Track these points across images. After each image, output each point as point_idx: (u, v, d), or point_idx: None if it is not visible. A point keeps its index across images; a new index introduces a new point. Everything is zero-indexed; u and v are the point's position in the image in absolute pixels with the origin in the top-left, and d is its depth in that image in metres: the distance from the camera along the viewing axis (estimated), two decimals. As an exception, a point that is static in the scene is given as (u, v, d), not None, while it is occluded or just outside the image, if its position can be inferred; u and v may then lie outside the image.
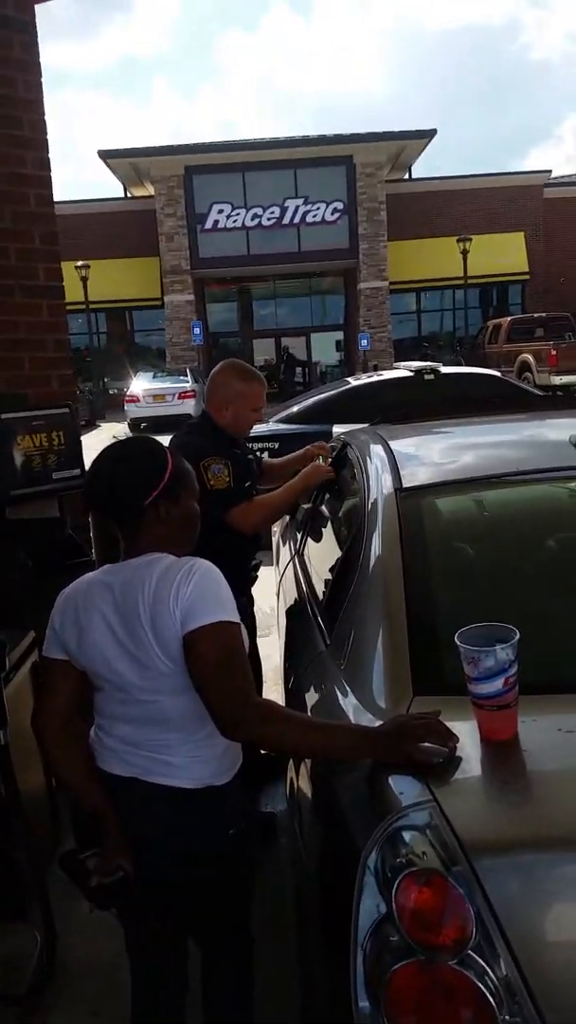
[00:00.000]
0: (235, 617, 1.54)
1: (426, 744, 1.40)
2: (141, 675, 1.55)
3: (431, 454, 2.64)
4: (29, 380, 3.46)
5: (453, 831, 1.21)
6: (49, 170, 3.58)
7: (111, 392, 24.61)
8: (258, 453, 3.28)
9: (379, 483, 2.33)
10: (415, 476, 2.32)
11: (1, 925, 2.42)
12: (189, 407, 18.32)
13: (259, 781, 3.13)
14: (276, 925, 2.09)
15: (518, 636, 1.41)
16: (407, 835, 1.25)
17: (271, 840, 2.82)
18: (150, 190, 26.29)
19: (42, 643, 1.72)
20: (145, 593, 1.53)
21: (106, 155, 25.15)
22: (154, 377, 21.06)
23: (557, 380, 16.94)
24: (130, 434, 16.91)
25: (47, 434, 3.21)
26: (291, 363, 27.31)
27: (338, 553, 2.44)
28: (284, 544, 3.92)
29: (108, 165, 25.84)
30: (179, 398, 19.35)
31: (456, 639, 1.42)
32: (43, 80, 3.56)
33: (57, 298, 3.63)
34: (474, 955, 1.11)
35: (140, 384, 20.31)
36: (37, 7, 3.55)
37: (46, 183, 3.57)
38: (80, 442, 3.39)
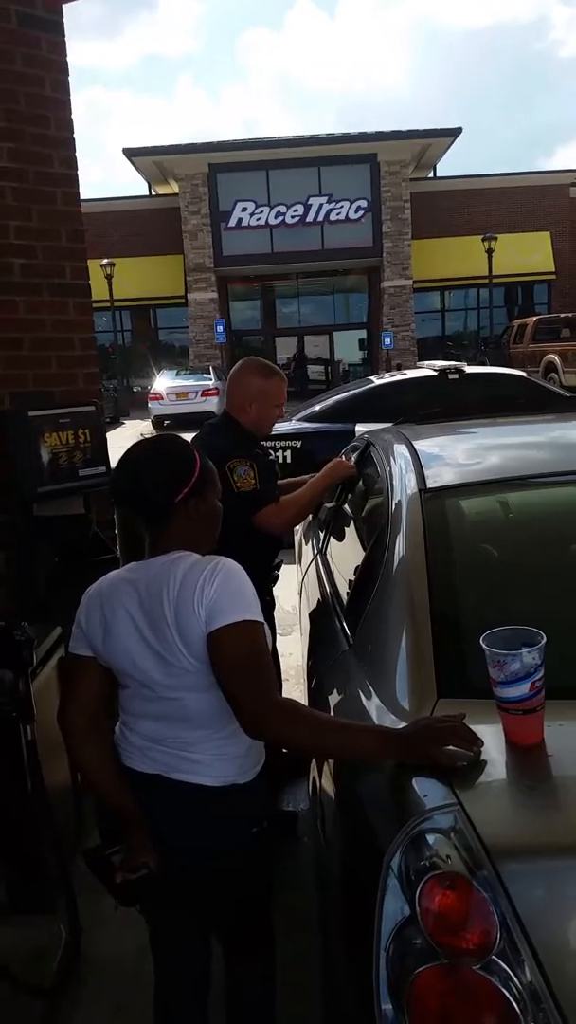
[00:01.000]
0: (259, 617, 1.54)
1: (450, 747, 1.39)
2: (166, 672, 1.56)
3: (456, 454, 2.62)
4: (56, 378, 3.49)
5: (478, 835, 1.21)
6: (76, 169, 3.61)
7: (135, 390, 24.73)
8: (276, 455, 3.29)
9: (403, 483, 2.32)
10: (439, 476, 2.31)
11: (27, 918, 2.44)
12: (212, 405, 18.37)
13: (282, 780, 3.14)
14: (298, 924, 2.09)
15: (544, 640, 1.40)
16: (431, 838, 1.25)
17: (293, 839, 2.83)
18: (174, 188, 26.35)
19: (68, 639, 1.74)
20: (170, 591, 1.54)
21: (131, 153, 25.26)
22: (177, 375, 21.16)
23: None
24: (154, 431, 17.02)
25: (73, 432, 3.24)
26: (302, 361, 27.31)
27: (361, 553, 2.43)
28: (307, 543, 3.92)
29: (133, 163, 25.95)
30: (202, 396, 19.41)
31: (481, 642, 1.42)
32: (70, 79, 3.58)
33: (84, 296, 3.65)
34: (498, 960, 1.10)
35: (163, 382, 20.41)
36: (65, 6, 3.58)
37: (73, 182, 3.59)
38: (106, 440, 3.41)
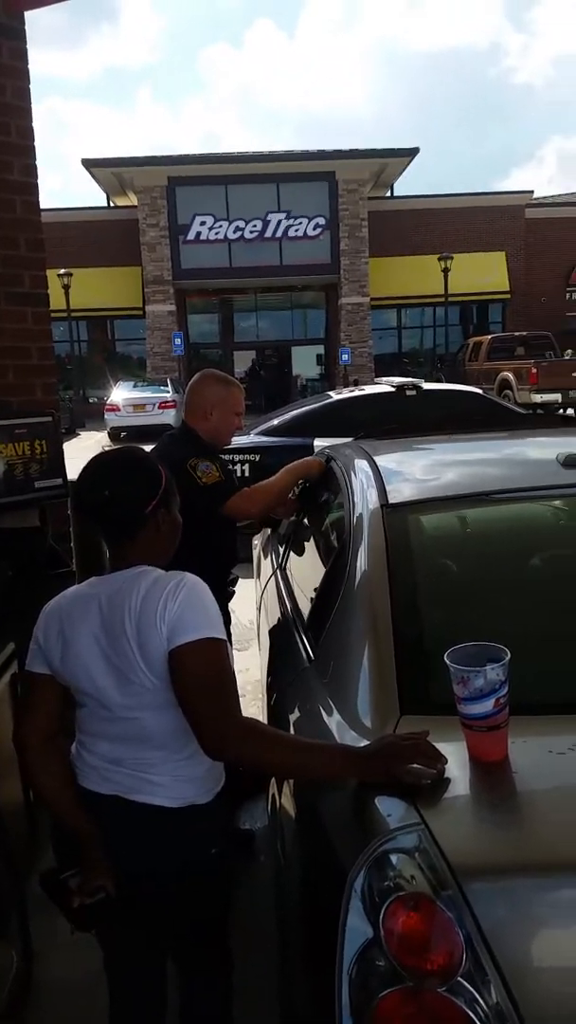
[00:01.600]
0: (222, 635, 1.52)
1: (414, 765, 1.38)
2: (124, 691, 1.53)
3: (416, 470, 2.64)
4: (13, 388, 3.43)
5: (442, 854, 1.19)
6: (36, 177, 3.56)
7: (91, 401, 24.54)
8: (234, 469, 3.29)
9: (364, 498, 2.32)
10: (401, 492, 2.32)
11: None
12: (169, 417, 18.28)
13: (240, 797, 3.10)
14: (256, 946, 2.06)
15: (509, 656, 1.40)
16: (395, 858, 1.23)
17: (251, 858, 2.79)
18: (133, 200, 26.28)
19: (21, 655, 1.69)
20: (132, 606, 1.51)
21: (89, 164, 25.13)
22: (134, 387, 21.05)
23: (537, 398, 17.07)
24: (111, 444, 16.86)
25: (30, 442, 3.17)
26: (254, 375, 27.54)
27: (322, 568, 2.43)
28: (265, 557, 3.90)
29: (92, 174, 25.81)
30: (159, 408, 19.34)
31: (445, 658, 1.41)
32: (31, 87, 3.55)
33: (42, 306, 3.60)
34: (464, 982, 1.09)
35: (120, 393, 20.27)
36: (26, 14, 3.54)
37: (33, 190, 3.54)
38: (62, 451, 3.35)
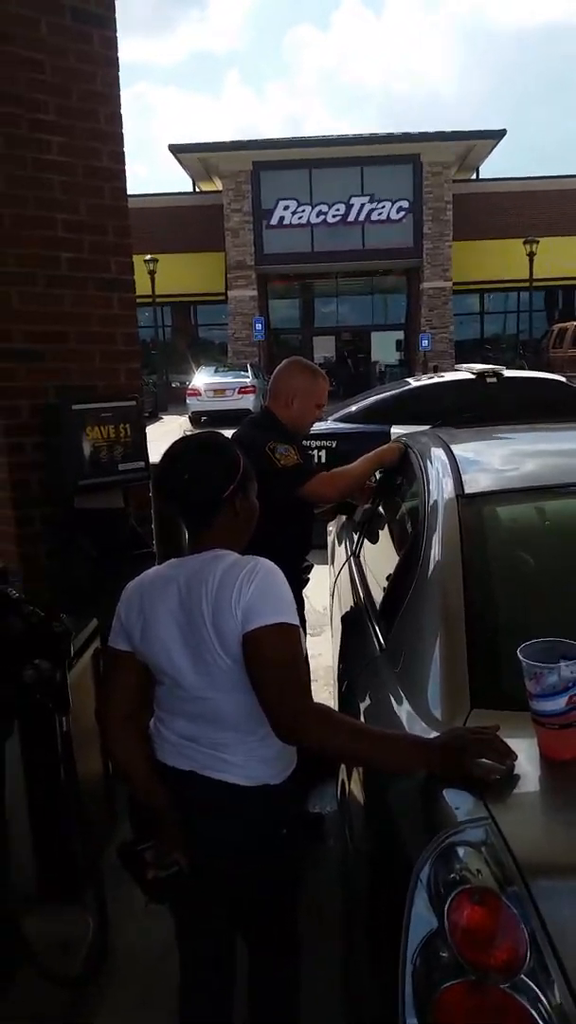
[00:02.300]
0: (295, 620, 1.54)
1: (484, 760, 1.38)
2: (199, 671, 1.56)
3: (494, 460, 2.60)
4: (99, 372, 3.51)
5: (509, 850, 1.19)
6: (123, 164, 3.62)
7: (174, 385, 24.87)
8: (311, 455, 3.30)
9: (440, 487, 2.30)
10: (477, 482, 2.29)
11: (56, 908, 2.46)
12: (248, 402, 18.41)
13: (309, 781, 3.13)
14: (321, 929, 2.09)
15: (584, 654, 1.38)
16: (461, 851, 1.23)
17: (318, 842, 2.82)
18: (218, 185, 26.43)
19: (104, 631, 1.75)
20: (208, 589, 1.54)
21: (176, 149, 25.40)
22: (215, 372, 21.23)
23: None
24: (192, 428, 17.09)
25: (115, 426, 3.26)
26: (341, 361, 27.38)
27: (396, 557, 2.42)
28: (340, 544, 3.90)
29: (178, 159, 26.07)
30: (239, 393, 19.47)
31: (518, 653, 1.40)
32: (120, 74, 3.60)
33: (128, 292, 3.67)
34: (527, 980, 1.08)
35: (202, 378, 20.50)
36: (117, 1, 3.60)
37: (120, 176, 3.60)
38: (145, 435, 3.43)
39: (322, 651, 4.05)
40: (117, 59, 3.61)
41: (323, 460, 7.01)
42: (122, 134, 3.63)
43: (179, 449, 1.67)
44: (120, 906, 2.41)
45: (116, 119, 3.60)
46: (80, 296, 3.44)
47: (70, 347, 3.42)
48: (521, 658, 1.39)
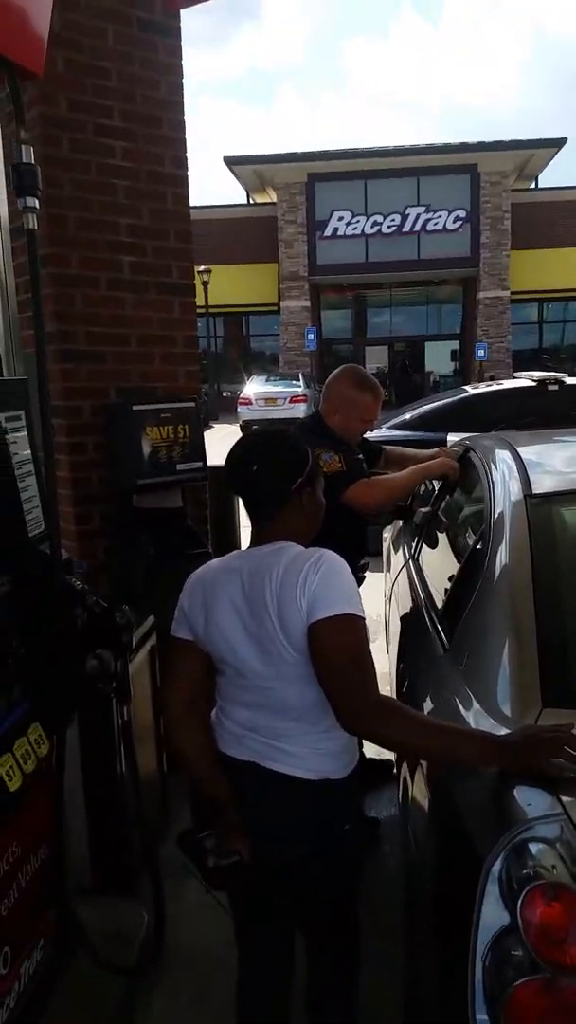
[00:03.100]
0: (360, 611, 1.53)
1: (558, 758, 1.34)
2: (264, 662, 1.56)
3: (561, 461, 2.56)
4: (158, 374, 3.55)
5: (586, 847, 1.15)
6: (186, 169, 3.67)
7: (225, 395, 25.09)
8: (378, 446, 3.26)
9: (506, 488, 2.27)
10: (545, 482, 2.25)
11: (111, 900, 2.47)
12: (299, 412, 18.43)
13: (366, 786, 3.10)
14: (379, 930, 2.06)
15: None
16: (535, 847, 1.20)
17: (375, 845, 2.79)
18: (272, 197, 26.63)
19: (161, 629, 1.76)
20: (273, 580, 1.54)
21: (231, 162, 25.66)
22: (267, 381, 21.34)
23: None
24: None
25: (173, 427, 3.29)
26: (405, 370, 27.22)
27: (460, 557, 2.39)
28: (396, 551, 3.87)
29: (233, 171, 26.34)
30: (290, 402, 19.53)
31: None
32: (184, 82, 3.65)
33: (188, 296, 3.71)
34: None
35: (253, 387, 20.62)
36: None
37: (182, 182, 3.65)
38: (203, 436, 3.45)
39: (377, 657, 4.01)
40: (181, 67, 3.66)
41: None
42: (185, 140, 3.68)
43: (249, 441, 1.68)
44: (175, 903, 2.41)
45: (179, 125, 3.64)
46: (142, 299, 3.49)
47: (131, 349, 3.46)
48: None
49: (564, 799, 1.26)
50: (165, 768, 2.95)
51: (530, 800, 1.29)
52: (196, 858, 1.62)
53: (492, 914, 1.17)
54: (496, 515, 2.15)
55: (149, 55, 3.50)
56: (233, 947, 1.83)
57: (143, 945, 2.28)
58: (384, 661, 3.18)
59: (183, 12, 3.69)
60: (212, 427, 20.76)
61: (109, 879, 2.49)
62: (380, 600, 4.10)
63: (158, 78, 3.55)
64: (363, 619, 1.53)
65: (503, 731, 1.47)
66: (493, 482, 2.38)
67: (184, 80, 3.67)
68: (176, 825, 1.83)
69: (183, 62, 3.66)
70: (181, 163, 3.64)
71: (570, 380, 7.59)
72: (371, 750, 2.81)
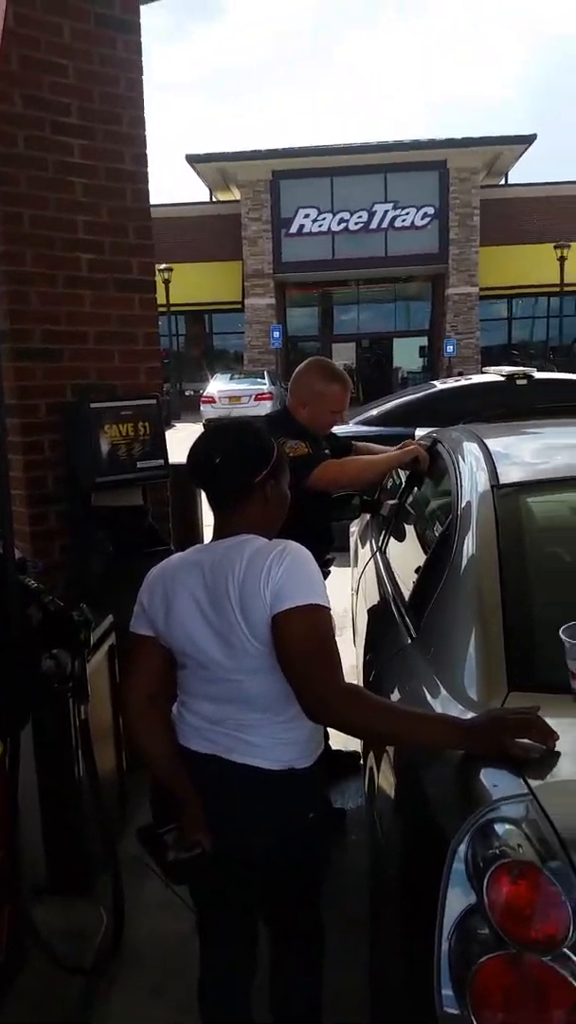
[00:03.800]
0: (326, 602, 1.53)
1: (524, 740, 1.35)
2: (226, 654, 1.55)
3: (528, 452, 2.59)
4: (118, 372, 3.53)
5: (552, 825, 1.17)
6: (146, 166, 3.64)
7: (187, 394, 24.97)
8: (346, 441, 3.26)
9: (473, 479, 2.28)
10: (512, 472, 2.27)
11: (70, 899, 2.45)
12: (265, 409, 18.37)
13: (332, 777, 3.11)
14: (344, 921, 2.06)
15: (625, 633, 1.35)
16: (500, 827, 1.21)
17: (341, 836, 2.79)
18: (236, 195, 26.57)
19: (119, 628, 1.74)
20: (236, 573, 1.53)
21: (193, 159, 25.54)
22: (231, 379, 21.25)
23: None
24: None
25: (133, 424, 3.27)
26: (379, 364, 27.38)
27: (427, 547, 2.40)
28: (363, 545, 3.88)
29: (195, 169, 26.22)
30: (255, 400, 19.46)
31: (561, 633, 1.38)
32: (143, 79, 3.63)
33: (149, 292, 3.69)
34: (569, 953, 1.06)
35: (217, 385, 20.52)
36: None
37: (142, 179, 3.63)
38: (164, 433, 3.44)
39: (344, 651, 4.01)
40: (141, 64, 3.63)
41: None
42: (145, 137, 3.65)
43: (212, 433, 1.67)
44: (134, 899, 2.40)
45: (139, 122, 3.62)
46: (100, 296, 3.47)
47: (89, 346, 3.44)
48: (563, 638, 1.37)
49: (530, 780, 1.28)
50: (124, 767, 2.93)
51: (496, 781, 1.30)
52: (156, 853, 1.61)
53: (458, 894, 1.18)
54: (463, 506, 2.17)
55: (107, 51, 3.47)
56: (194, 942, 1.82)
57: (101, 944, 2.27)
58: (351, 655, 3.19)
59: (143, 8, 3.67)
60: (174, 426, 20.64)
61: (66, 878, 2.47)
62: (347, 595, 4.11)
63: (117, 74, 3.52)
64: (328, 609, 1.53)
65: (470, 714, 1.48)
66: (460, 473, 2.40)
67: (144, 77, 3.65)
68: (135, 823, 1.82)
69: (143, 59, 3.64)
70: (141, 160, 3.62)
71: (538, 375, 7.65)
72: (337, 742, 2.83)
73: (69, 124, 3.35)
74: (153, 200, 3.73)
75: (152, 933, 2.40)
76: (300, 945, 1.80)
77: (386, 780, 1.76)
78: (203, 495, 1.74)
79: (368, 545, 3.64)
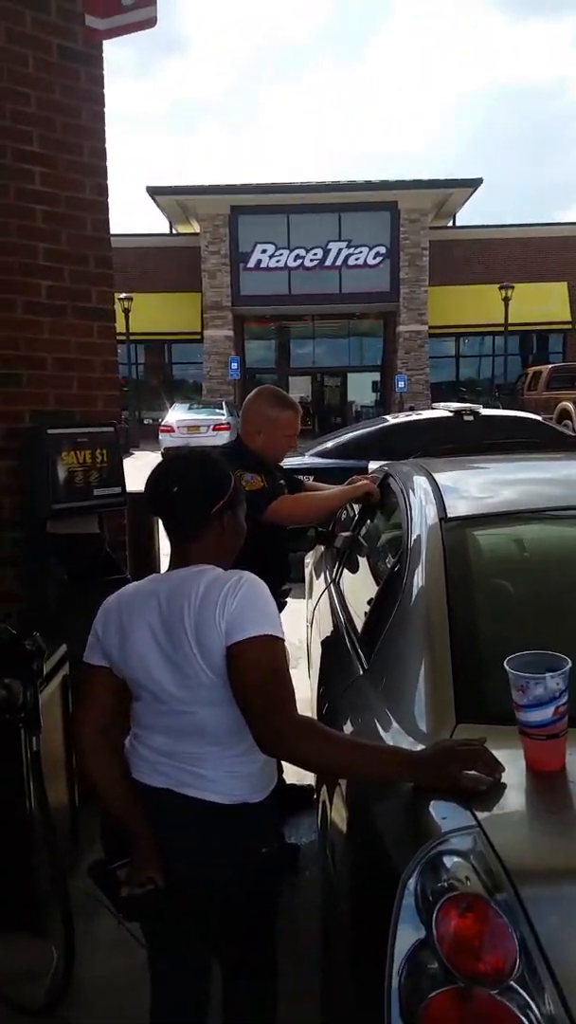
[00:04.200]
0: (280, 633, 1.53)
1: (471, 772, 1.37)
2: (181, 685, 1.54)
3: (475, 486, 2.63)
4: (76, 399, 3.52)
5: (498, 858, 1.17)
6: (107, 196, 3.68)
7: (146, 422, 24.91)
8: (296, 478, 3.30)
9: (423, 512, 2.32)
10: (459, 507, 2.31)
11: (19, 936, 2.38)
12: (223, 439, 18.45)
13: (286, 812, 3.08)
14: (297, 956, 2.04)
15: (570, 665, 1.38)
16: (449, 860, 1.22)
17: (295, 872, 2.77)
18: (195, 227, 26.80)
19: (74, 658, 1.72)
20: (191, 602, 1.53)
21: (154, 191, 25.75)
22: (189, 408, 21.31)
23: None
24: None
25: (91, 451, 3.25)
26: (319, 402, 27.72)
27: (379, 580, 2.42)
28: (318, 576, 3.89)
29: (155, 201, 26.43)
30: (213, 430, 19.55)
31: (505, 665, 1.40)
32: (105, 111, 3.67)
33: (108, 321, 3.70)
34: (517, 987, 1.07)
35: (175, 415, 20.56)
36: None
37: (103, 209, 3.66)
38: (122, 461, 3.42)
39: (297, 684, 4.00)
40: (103, 96, 3.68)
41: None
42: (106, 168, 3.69)
43: (172, 462, 1.67)
44: (84, 937, 2.34)
45: (100, 153, 3.66)
46: (59, 323, 3.47)
47: (48, 373, 3.43)
48: (508, 669, 1.39)
49: (478, 812, 1.28)
50: (76, 801, 2.87)
51: (445, 814, 1.31)
52: (108, 889, 1.58)
53: (408, 928, 1.18)
54: (413, 538, 2.19)
55: (70, 83, 3.51)
56: (145, 980, 1.78)
57: (51, 983, 2.21)
58: (306, 687, 3.18)
59: (106, 43, 3.72)
60: (133, 454, 20.53)
61: (16, 915, 2.40)
62: (302, 626, 4.11)
63: (79, 106, 3.56)
64: (283, 640, 1.54)
65: (420, 747, 1.49)
66: (411, 506, 2.43)
67: (106, 109, 3.70)
68: (87, 859, 1.78)
69: (105, 91, 3.69)
70: (102, 190, 3.65)
71: (484, 411, 7.88)
72: (291, 776, 2.81)
73: (30, 152, 3.37)
74: (115, 229, 3.76)
75: (105, 970, 2.34)
76: (253, 982, 1.77)
77: (338, 814, 1.76)
78: (160, 524, 1.73)
79: (323, 576, 3.66)
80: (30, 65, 3.35)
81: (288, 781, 2.86)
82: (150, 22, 3.68)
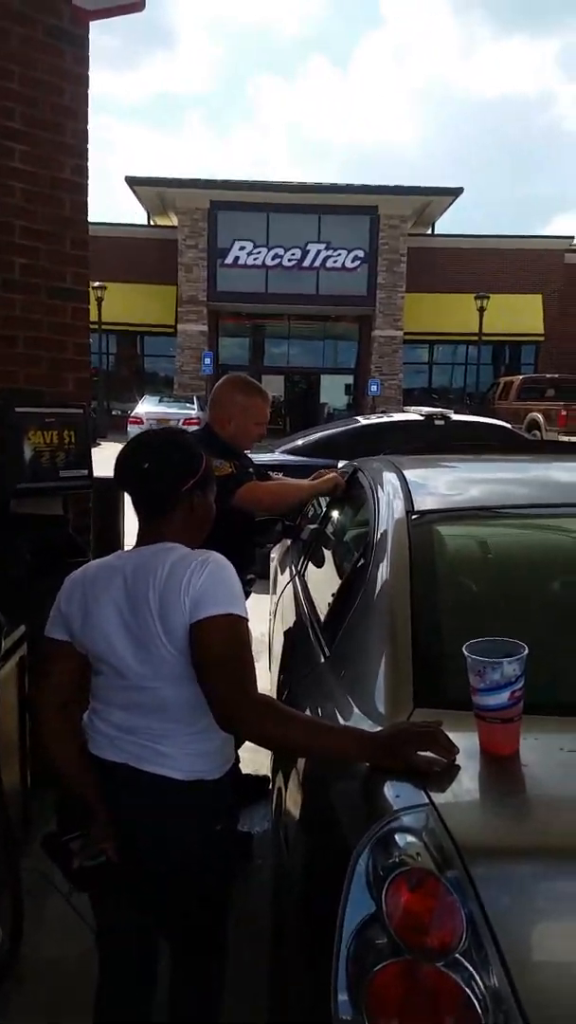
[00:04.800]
0: (244, 612, 1.54)
1: (427, 752, 1.38)
2: (143, 660, 1.54)
3: (444, 483, 2.66)
4: (47, 379, 3.49)
5: (450, 835, 1.19)
6: (86, 178, 3.65)
7: (115, 413, 24.68)
8: (266, 472, 3.30)
9: (390, 505, 2.34)
10: (427, 502, 2.33)
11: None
12: (193, 434, 18.38)
13: (241, 801, 3.08)
14: (248, 941, 2.04)
15: (526, 651, 1.40)
16: (401, 837, 1.23)
17: (247, 860, 2.77)
18: (174, 221, 26.65)
19: (32, 639, 1.71)
20: (156, 579, 1.53)
21: (133, 182, 25.54)
22: (160, 401, 21.19)
23: (565, 440, 17.05)
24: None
25: (59, 432, 3.22)
26: (291, 400, 27.72)
27: (343, 570, 2.44)
28: (283, 571, 3.90)
29: (135, 192, 26.22)
30: (183, 424, 19.46)
31: (464, 650, 1.42)
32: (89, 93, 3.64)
33: (82, 302, 3.68)
34: (463, 960, 1.08)
35: (145, 407, 20.42)
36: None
37: (82, 190, 3.63)
38: (90, 444, 3.40)
39: (260, 677, 4.00)
40: (87, 78, 3.65)
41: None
42: (87, 150, 3.66)
43: (144, 438, 1.68)
44: (33, 918, 2.33)
45: (83, 134, 3.63)
46: (32, 302, 3.43)
47: (18, 351, 3.39)
48: (467, 654, 1.41)
49: (431, 792, 1.30)
50: (29, 783, 2.84)
51: (398, 793, 1.32)
52: (61, 860, 1.57)
53: (358, 903, 1.19)
54: (380, 531, 2.21)
55: (55, 61, 3.48)
56: (93, 962, 1.77)
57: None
58: (267, 680, 3.19)
59: (93, 26, 3.69)
60: (100, 444, 20.30)
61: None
62: (266, 620, 4.11)
63: (63, 85, 3.53)
64: (246, 620, 1.54)
65: (378, 729, 1.50)
66: (379, 500, 2.45)
67: (89, 92, 3.67)
68: (38, 840, 1.77)
69: (90, 74, 3.66)
70: (82, 172, 3.63)
71: (455, 416, 7.95)
72: (247, 766, 2.81)
73: (12, 129, 3.34)
74: (92, 219, 3.73)
75: (53, 954, 2.33)
76: (202, 960, 1.76)
77: (292, 798, 1.77)
78: (127, 507, 1.73)
79: (288, 571, 3.66)
80: (14, 41, 3.32)
81: (244, 771, 2.87)
82: (137, 6, 3.67)
